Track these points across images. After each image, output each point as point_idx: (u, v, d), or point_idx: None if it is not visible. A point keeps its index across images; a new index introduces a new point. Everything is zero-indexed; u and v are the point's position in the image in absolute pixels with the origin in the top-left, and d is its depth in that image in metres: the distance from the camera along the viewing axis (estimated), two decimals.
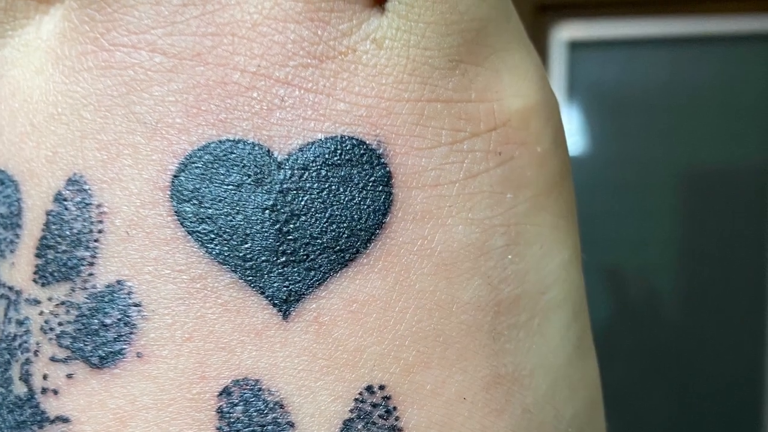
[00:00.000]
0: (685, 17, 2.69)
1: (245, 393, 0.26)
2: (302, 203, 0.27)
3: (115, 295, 0.26)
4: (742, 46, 2.69)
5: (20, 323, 0.27)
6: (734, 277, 2.71)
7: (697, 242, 2.75)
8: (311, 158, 0.27)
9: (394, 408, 0.27)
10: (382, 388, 0.26)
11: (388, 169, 0.27)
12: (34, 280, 0.27)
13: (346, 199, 0.27)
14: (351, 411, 0.26)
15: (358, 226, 0.27)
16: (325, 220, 0.27)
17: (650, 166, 2.74)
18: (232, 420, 0.26)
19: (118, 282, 0.26)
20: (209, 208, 0.26)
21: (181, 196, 0.26)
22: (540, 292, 0.29)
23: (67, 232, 0.27)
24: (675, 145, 2.71)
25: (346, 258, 0.27)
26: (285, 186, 0.26)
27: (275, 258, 0.26)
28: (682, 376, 2.73)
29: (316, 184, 0.27)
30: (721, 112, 2.69)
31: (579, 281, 0.32)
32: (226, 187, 0.26)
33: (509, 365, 0.28)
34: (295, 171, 0.26)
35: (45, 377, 0.27)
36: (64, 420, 0.26)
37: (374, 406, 0.26)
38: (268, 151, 0.26)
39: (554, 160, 0.30)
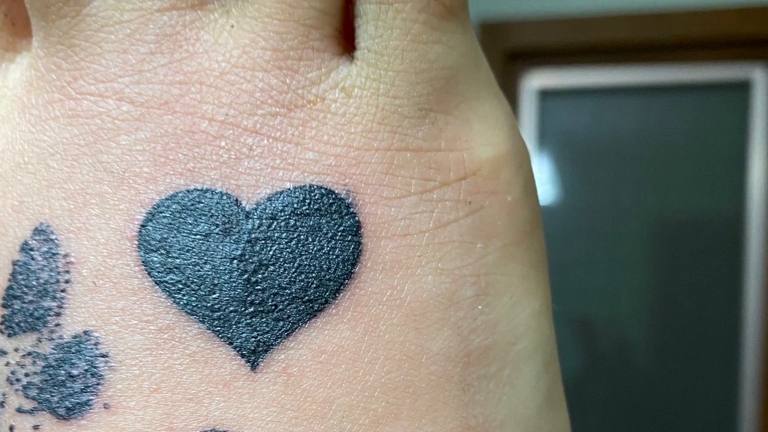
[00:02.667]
0: (655, 66, 2.72)
1: None
2: (270, 253, 0.26)
3: (82, 345, 0.26)
4: (712, 94, 2.72)
5: None
6: (706, 327, 2.72)
7: (668, 292, 2.76)
8: (280, 208, 0.26)
9: None
10: None
11: (357, 218, 0.27)
12: (0, 331, 0.27)
13: (315, 248, 0.27)
14: None
15: (327, 276, 0.27)
16: (293, 270, 0.26)
17: (621, 215, 2.76)
18: None
19: (85, 332, 0.26)
20: (177, 258, 0.26)
21: (149, 246, 0.26)
22: (510, 342, 0.29)
23: (34, 282, 0.26)
24: (646, 194, 2.73)
25: (315, 308, 0.26)
26: (253, 236, 0.26)
27: (243, 308, 0.26)
28: (653, 428, 2.73)
29: (284, 234, 0.26)
30: (692, 161, 2.71)
31: (549, 331, 0.31)
32: (194, 236, 0.26)
33: (479, 416, 0.28)
34: (264, 220, 0.26)
35: (11, 429, 0.26)
36: None
37: None
38: (236, 200, 0.26)
39: (525, 210, 0.30)
